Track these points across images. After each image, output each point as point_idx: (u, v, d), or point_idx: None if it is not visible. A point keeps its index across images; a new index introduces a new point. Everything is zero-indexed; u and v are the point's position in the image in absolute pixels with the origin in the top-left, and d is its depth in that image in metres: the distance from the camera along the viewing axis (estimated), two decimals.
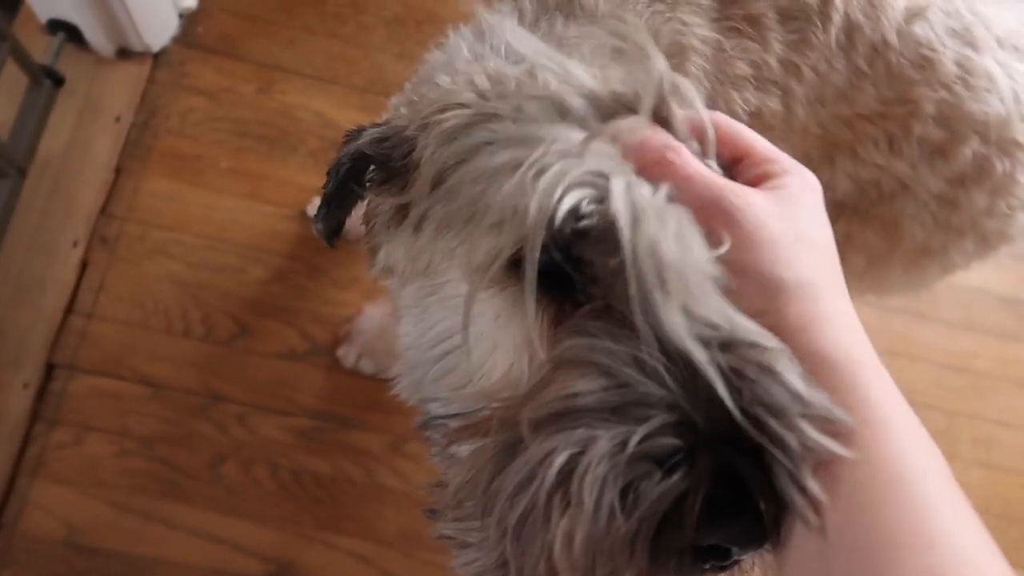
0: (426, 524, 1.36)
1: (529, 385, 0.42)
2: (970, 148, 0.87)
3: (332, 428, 1.35)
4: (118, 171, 1.39)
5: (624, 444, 0.37)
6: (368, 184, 0.58)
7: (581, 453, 0.37)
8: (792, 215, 0.41)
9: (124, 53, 1.42)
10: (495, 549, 0.41)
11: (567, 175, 0.40)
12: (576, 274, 0.44)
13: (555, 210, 0.40)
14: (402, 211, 0.55)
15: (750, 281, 0.39)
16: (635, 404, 0.38)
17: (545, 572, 0.38)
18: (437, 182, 0.50)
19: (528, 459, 0.39)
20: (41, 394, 1.28)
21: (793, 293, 0.39)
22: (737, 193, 0.40)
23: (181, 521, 1.28)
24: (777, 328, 0.39)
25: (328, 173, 0.58)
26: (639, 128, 0.42)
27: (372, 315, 1.35)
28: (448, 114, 0.50)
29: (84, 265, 1.34)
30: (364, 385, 1.38)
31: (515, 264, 0.43)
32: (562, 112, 0.45)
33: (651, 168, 0.41)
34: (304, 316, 1.39)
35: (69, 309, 1.32)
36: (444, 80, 0.57)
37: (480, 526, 0.42)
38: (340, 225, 0.61)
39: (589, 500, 0.36)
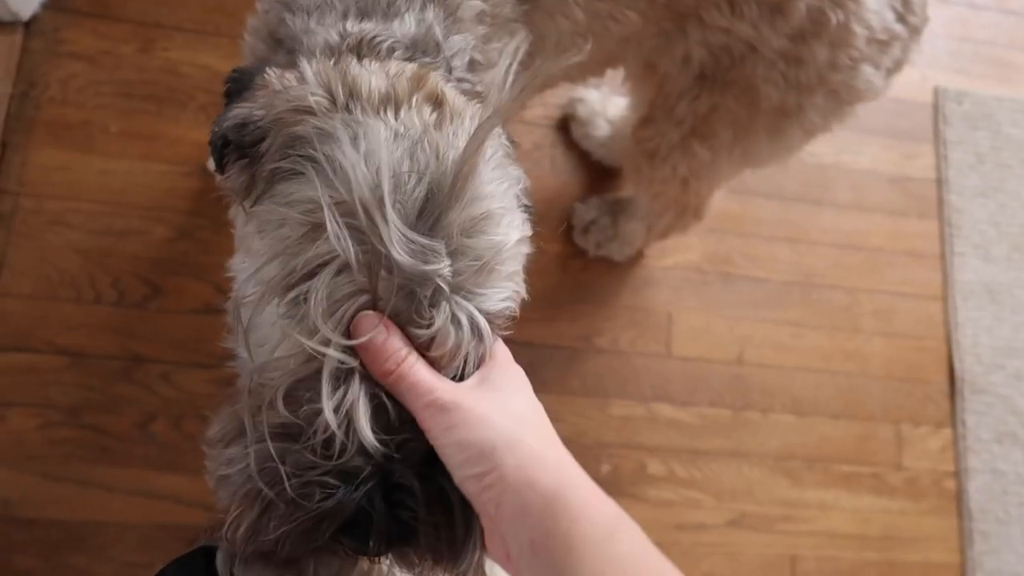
0: None
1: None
2: (804, 2, 0.91)
3: None
4: (3, 145, 1.36)
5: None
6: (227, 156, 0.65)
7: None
8: (494, 397, 0.53)
9: None
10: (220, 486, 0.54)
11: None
12: None
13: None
14: (249, 187, 0.62)
15: (472, 450, 0.51)
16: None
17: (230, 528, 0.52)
18: (270, 181, 0.58)
19: (260, 455, 0.51)
20: None
21: (505, 450, 0.50)
22: (450, 391, 0.52)
23: (118, 483, 1.29)
24: (503, 477, 0.50)
25: (210, 147, 0.65)
26: (375, 334, 0.52)
27: None
28: (297, 118, 0.58)
29: None
30: None
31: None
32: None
33: (381, 375, 0.52)
34: (215, 269, 1.40)
35: None
36: (295, 89, 0.62)
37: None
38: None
39: (253, 511, 0.51)
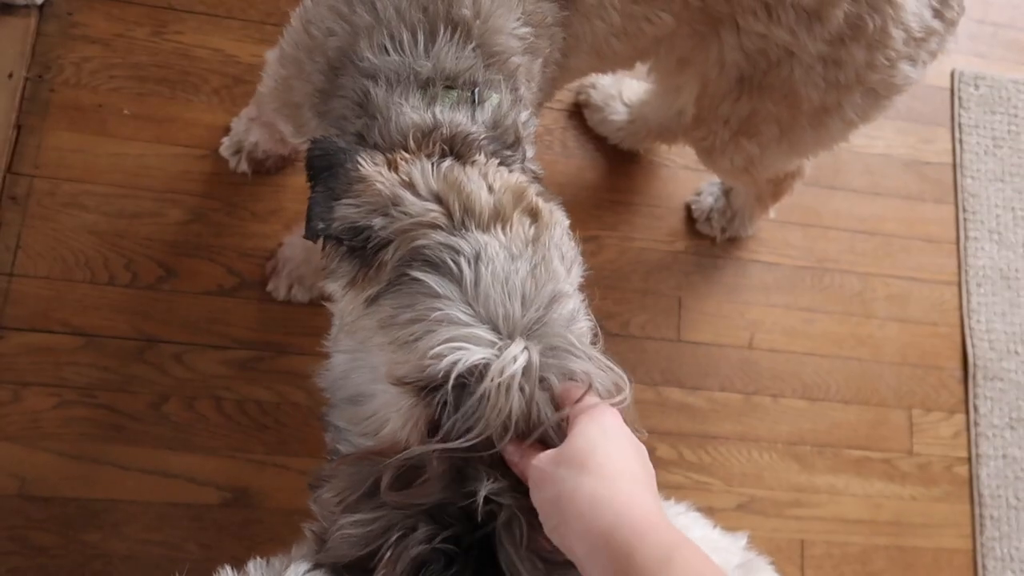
0: None
1: (394, 470, 0.61)
2: (841, 9, 0.93)
3: (269, 356, 1.38)
4: (19, 128, 1.38)
5: (432, 538, 0.58)
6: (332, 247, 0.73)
7: (406, 536, 0.58)
8: (565, 452, 0.59)
9: (6, 8, 1.39)
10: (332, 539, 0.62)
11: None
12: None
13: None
14: (358, 280, 0.69)
15: (545, 506, 0.57)
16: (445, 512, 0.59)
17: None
18: (393, 284, 0.65)
19: (380, 524, 0.59)
20: None
21: (567, 501, 0.56)
22: (535, 465, 0.59)
23: (131, 462, 1.30)
24: (566, 522, 0.55)
25: (306, 225, 0.71)
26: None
27: (294, 242, 1.37)
28: (419, 232, 0.66)
29: None
30: (295, 312, 1.40)
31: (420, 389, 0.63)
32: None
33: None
34: (228, 252, 1.41)
35: None
36: (411, 202, 0.68)
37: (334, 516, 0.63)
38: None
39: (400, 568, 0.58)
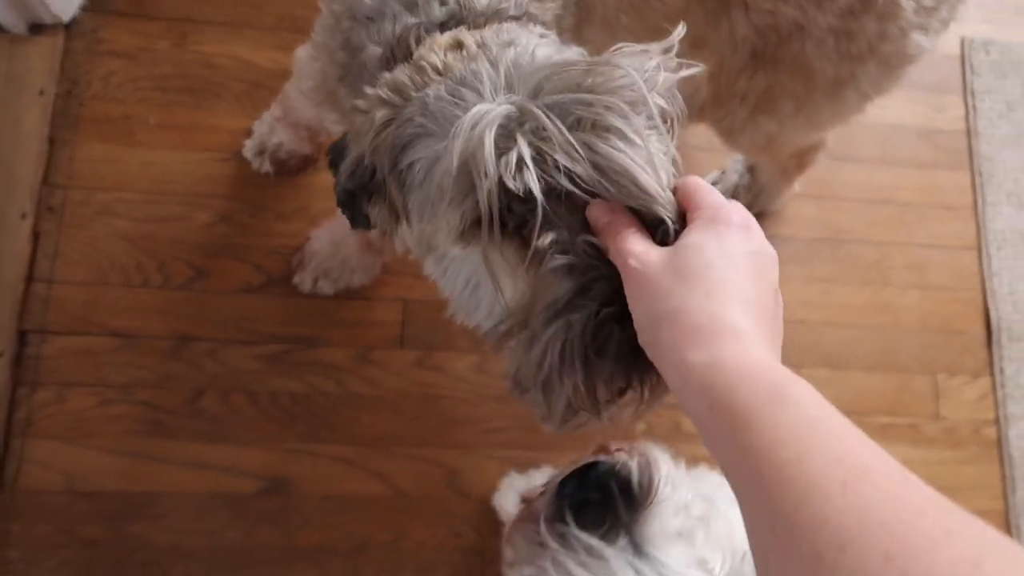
0: (400, 424, 1.46)
1: (526, 300, 0.62)
2: None
3: (299, 349, 1.43)
4: (51, 142, 1.44)
5: (588, 323, 0.57)
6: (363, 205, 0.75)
7: (566, 337, 0.57)
8: (678, 261, 0.53)
9: (36, 28, 1.46)
10: (539, 405, 0.62)
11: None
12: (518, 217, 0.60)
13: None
14: (394, 211, 0.71)
15: (642, 320, 0.54)
16: (587, 296, 0.58)
17: (562, 409, 0.60)
18: (402, 186, 0.67)
19: (542, 346, 0.59)
20: (18, 360, 1.35)
21: (665, 323, 0.51)
22: (638, 260, 0.54)
23: (171, 456, 1.35)
24: (660, 349, 0.52)
25: (339, 207, 0.76)
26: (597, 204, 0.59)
27: (320, 236, 1.41)
28: (381, 136, 0.68)
29: (36, 235, 1.40)
30: (322, 305, 1.45)
31: (476, 224, 0.60)
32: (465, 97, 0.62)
33: (598, 230, 0.58)
34: (255, 251, 1.46)
35: (30, 278, 1.38)
36: (364, 122, 0.71)
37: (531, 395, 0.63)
38: (368, 218, 0.76)
39: (580, 364, 0.58)
